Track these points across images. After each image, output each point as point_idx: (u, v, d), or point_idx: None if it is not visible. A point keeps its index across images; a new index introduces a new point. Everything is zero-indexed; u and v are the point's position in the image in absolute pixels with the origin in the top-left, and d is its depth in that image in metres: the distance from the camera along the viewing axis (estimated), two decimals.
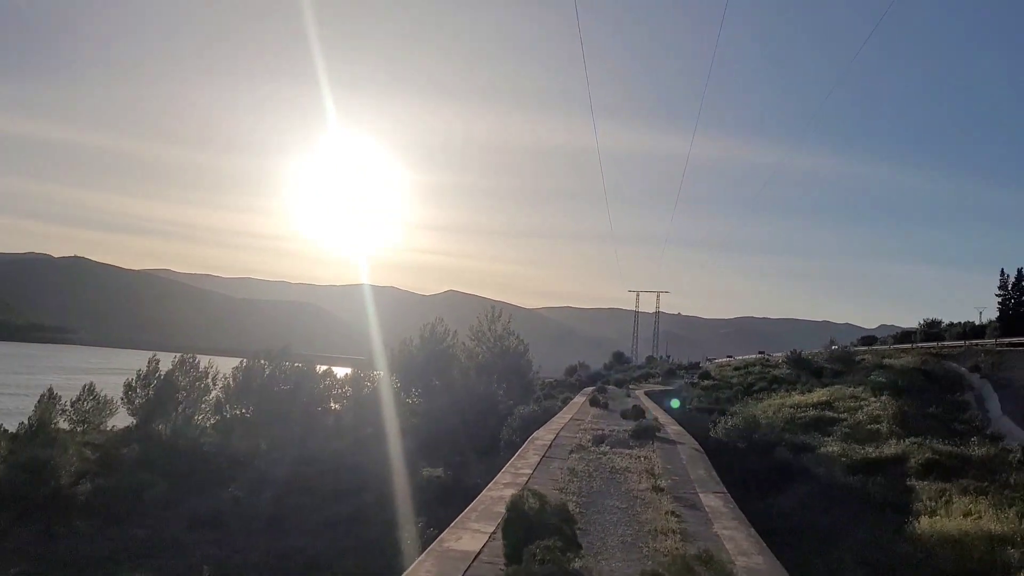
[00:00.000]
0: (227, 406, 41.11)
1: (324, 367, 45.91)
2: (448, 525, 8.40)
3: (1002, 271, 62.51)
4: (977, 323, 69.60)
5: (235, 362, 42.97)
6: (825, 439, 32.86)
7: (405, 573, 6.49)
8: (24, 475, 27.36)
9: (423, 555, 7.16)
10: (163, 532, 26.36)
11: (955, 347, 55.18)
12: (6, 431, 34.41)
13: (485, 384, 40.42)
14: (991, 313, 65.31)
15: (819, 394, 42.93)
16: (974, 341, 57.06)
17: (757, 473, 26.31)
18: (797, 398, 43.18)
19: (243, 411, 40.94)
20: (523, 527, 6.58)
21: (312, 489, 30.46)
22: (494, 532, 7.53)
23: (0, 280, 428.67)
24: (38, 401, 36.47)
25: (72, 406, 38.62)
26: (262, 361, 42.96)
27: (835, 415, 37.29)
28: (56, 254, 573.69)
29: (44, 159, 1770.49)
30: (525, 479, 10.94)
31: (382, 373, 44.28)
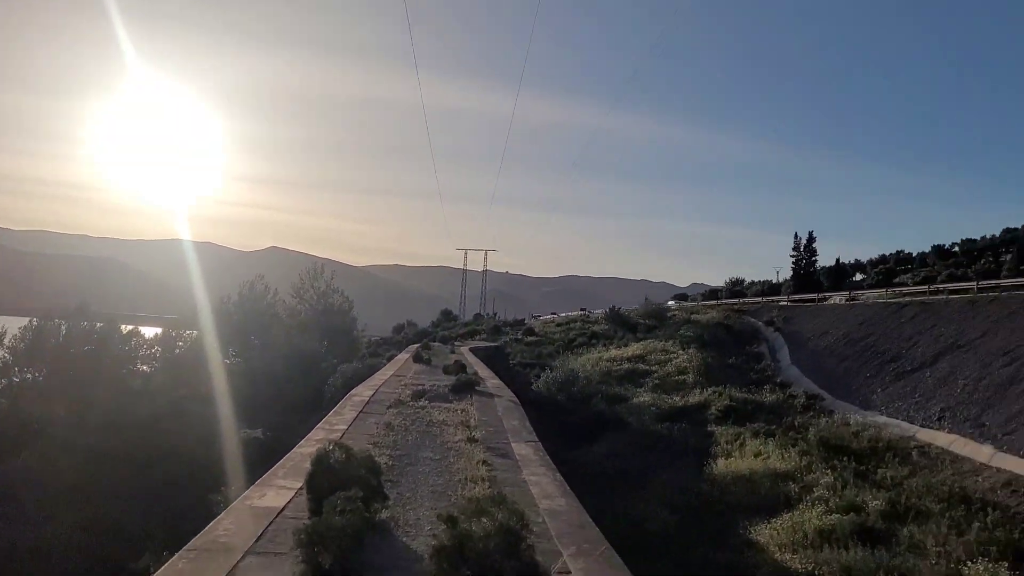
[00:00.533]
0: (15, 369, 37.38)
1: (130, 327, 42.73)
2: None
3: (795, 234, 67.84)
4: (775, 281, 75.89)
5: (25, 322, 39.00)
6: (638, 390, 34.83)
7: (201, 532, 6.15)
8: None
9: (223, 513, 6.84)
10: None
11: (754, 303, 59.91)
12: None
13: (307, 343, 39.39)
14: (788, 272, 70.92)
15: (634, 348, 45.14)
16: (770, 298, 62.38)
17: (575, 424, 27.52)
18: (614, 352, 45.19)
19: (35, 375, 37.38)
20: (328, 480, 6.43)
21: (118, 456, 28.53)
22: (301, 488, 7.31)
23: None
24: None
25: None
26: (57, 320, 39.30)
27: (647, 368, 39.44)
28: None
29: None
30: (339, 435, 10.73)
31: (196, 332, 41.89)
